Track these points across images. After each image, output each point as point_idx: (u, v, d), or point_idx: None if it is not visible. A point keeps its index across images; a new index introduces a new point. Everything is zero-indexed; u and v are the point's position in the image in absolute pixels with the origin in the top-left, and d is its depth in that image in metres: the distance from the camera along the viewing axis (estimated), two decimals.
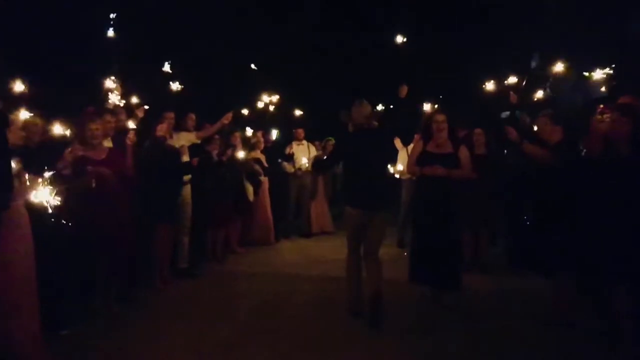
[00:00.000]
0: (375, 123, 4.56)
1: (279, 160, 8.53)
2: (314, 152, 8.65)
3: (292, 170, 8.45)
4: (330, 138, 9.12)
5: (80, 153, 4.12)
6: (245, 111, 6.76)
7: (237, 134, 7.26)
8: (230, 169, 6.72)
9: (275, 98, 7.65)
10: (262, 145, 7.99)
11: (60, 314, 3.99)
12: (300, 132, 8.58)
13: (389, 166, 5.61)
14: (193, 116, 6.25)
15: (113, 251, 4.33)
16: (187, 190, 5.69)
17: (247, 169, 7.28)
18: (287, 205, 8.56)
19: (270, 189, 8.18)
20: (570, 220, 3.72)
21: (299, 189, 8.52)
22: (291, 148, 8.44)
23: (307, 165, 8.41)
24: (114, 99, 4.65)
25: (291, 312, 4.75)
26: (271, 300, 5.09)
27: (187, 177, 5.60)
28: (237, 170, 6.97)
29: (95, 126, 4.32)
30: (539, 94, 5.32)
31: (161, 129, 4.89)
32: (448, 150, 4.61)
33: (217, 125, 6.13)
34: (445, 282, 4.61)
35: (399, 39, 5.79)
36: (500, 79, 6.65)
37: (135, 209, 4.66)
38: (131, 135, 4.59)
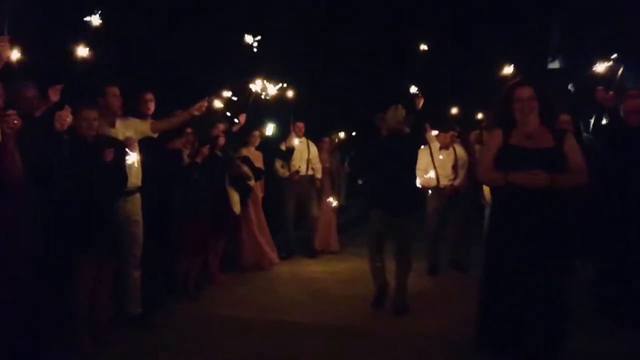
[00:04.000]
0: (407, 129, 4.58)
1: (275, 160, 6.79)
2: (314, 151, 6.87)
3: (287, 174, 6.70)
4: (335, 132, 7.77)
5: None
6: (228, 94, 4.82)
7: (221, 126, 5.53)
8: (208, 173, 4.96)
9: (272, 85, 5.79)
10: (258, 141, 6.28)
11: None
12: (301, 126, 6.77)
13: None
14: (150, 97, 4.41)
15: None
16: (134, 203, 3.94)
17: (231, 172, 5.50)
18: (285, 217, 6.80)
19: (264, 197, 6.46)
20: None
21: (298, 197, 6.77)
22: (291, 139, 6.57)
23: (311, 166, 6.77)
24: None
25: None
26: None
27: (133, 184, 3.84)
28: (217, 174, 5.20)
29: None
30: None
31: (60, 118, 3.00)
32: (546, 144, 2.82)
33: (184, 115, 4.25)
34: (541, 347, 2.82)
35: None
36: None
37: (36, 236, 2.89)
38: (11, 119, 2.63)
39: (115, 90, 3.84)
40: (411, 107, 4.70)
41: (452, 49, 10.00)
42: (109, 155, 3.32)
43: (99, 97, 3.74)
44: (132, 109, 4.32)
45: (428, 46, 5.05)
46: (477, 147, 6.34)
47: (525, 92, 2.88)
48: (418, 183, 5.55)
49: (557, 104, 2.89)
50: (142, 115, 4.31)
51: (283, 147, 6.51)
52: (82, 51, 3.29)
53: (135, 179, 3.95)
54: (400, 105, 4.56)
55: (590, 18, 10.04)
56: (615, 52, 4.42)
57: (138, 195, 3.99)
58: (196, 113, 4.17)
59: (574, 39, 11.15)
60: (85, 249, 3.26)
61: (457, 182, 5.85)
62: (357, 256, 6.66)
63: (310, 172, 6.81)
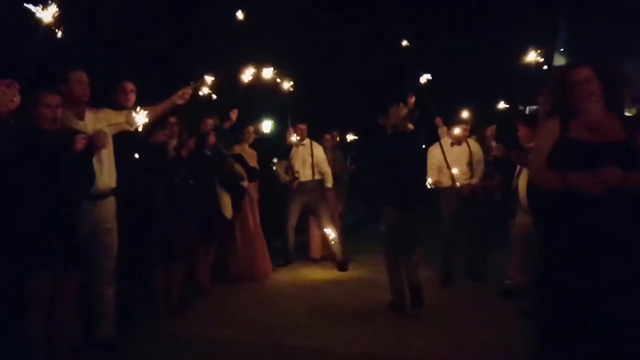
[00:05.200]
0: (411, 126, 4.58)
1: (274, 161, 6.23)
2: (320, 154, 6.22)
3: (287, 179, 6.13)
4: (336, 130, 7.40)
5: None
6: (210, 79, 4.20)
7: (210, 122, 5.00)
8: (196, 171, 4.39)
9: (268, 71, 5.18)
10: (252, 138, 5.70)
11: None
12: (303, 128, 6.11)
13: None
14: (132, 86, 3.82)
15: None
16: (107, 209, 3.37)
17: (222, 172, 4.93)
18: (286, 223, 6.21)
19: (260, 200, 5.86)
20: None
21: (305, 204, 6.18)
22: (290, 136, 5.93)
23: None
24: None
25: None
26: None
27: (105, 186, 3.27)
28: (206, 173, 4.64)
29: None
30: None
31: (3, 96, 2.40)
32: (614, 136, 2.24)
33: (165, 105, 3.68)
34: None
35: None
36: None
37: None
38: None
39: (81, 76, 3.23)
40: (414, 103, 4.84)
41: (456, 46, 9.65)
42: (80, 142, 2.74)
43: (60, 84, 3.15)
44: (111, 100, 3.76)
45: (431, 42, 5.00)
46: (493, 144, 5.83)
47: (582, 73, 2.31)
48: (429, 182, 5.03)
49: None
50: (120, 108, 3.72)
51: (287, 141, 5.93)
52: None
53: (108, 180, 3.40)
54: (401, 104, 4.60)
55: (597, 15, 9.72)
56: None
57: (112, 199, 3.42)
58: (179, 102, 3.59)
59: (580, 36, 10.87)
60: (38, 263, 2.66)
61: (474, 181, 5.29)
62: (361, 263, 6.18)
63: (317, 177, 6.17)
